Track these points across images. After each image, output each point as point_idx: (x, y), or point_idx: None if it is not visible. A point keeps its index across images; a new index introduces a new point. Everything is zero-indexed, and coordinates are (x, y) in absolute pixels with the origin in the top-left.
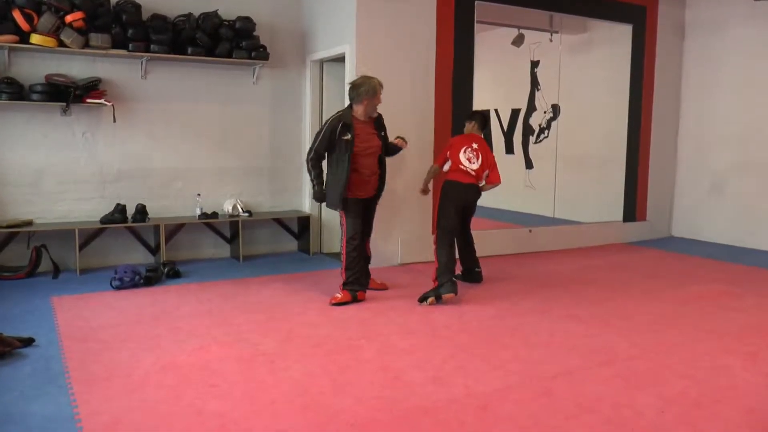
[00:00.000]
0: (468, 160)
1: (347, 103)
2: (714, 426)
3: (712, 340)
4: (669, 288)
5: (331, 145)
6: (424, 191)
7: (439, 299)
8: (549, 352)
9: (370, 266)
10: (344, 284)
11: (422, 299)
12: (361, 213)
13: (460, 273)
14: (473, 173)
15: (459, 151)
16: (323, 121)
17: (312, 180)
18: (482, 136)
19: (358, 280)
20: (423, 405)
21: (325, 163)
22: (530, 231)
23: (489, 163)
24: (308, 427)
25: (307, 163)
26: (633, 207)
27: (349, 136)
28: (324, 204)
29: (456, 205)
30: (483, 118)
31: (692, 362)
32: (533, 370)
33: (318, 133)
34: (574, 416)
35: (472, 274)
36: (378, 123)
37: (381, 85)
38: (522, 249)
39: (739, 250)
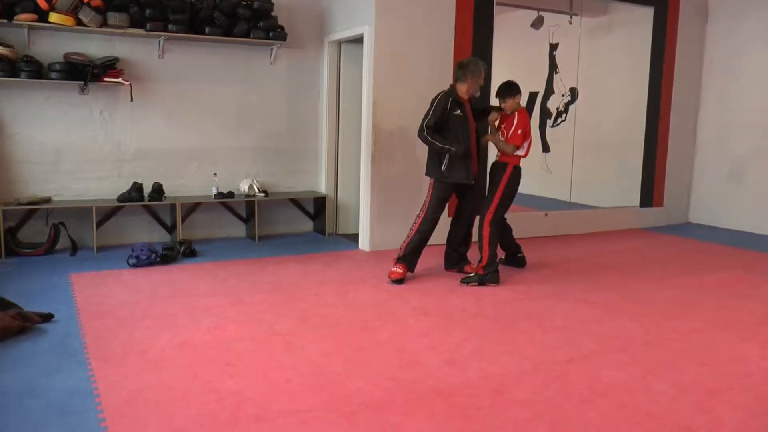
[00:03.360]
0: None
1: (365, 84)
2: (729, 413)
3: (729, 328)
4: (685, 274)
5: (442, 120)
6: (485, 141)
7: (481, 285)
8: (564, 336)
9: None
10: (400, 258)
11: (466, 281)
12: (449, 197)
13: (504, 258)
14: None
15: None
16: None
17: (441, 147)
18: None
19: (414, 259)
20: (438, 387)
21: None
22: (546, 215)
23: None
24: (323, 407)
25: (425, 139)
26: (650, 192)
27: (459, 111)
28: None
29: (515, 193)
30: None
31: (708, 349)
32: (548, 354)
33: (428, 111)
34: (589, 401)
35: (516, 258)
36: (470, 105)
37: (485, 66)
38: (538, 233)
39: (758, 238)
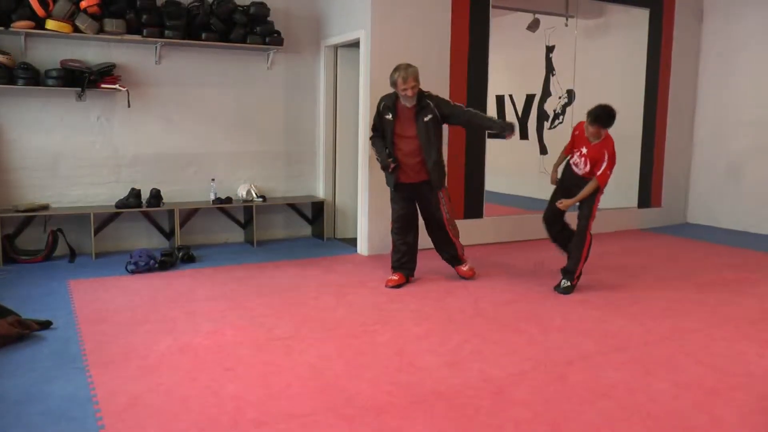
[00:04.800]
0: (575, 165)
1: (361, 89)
2: (729, 412)
3: (728, 327)
4: (684, 274)
5: (379, 123)
6: (565, 207)
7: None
8: (564, 337)
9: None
10: (392, 268)
11: (562, 291)
12: (406, 198)
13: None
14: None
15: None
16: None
17: (375, 154)
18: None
19: (404, 265)
20: (438, 389)
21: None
22: None
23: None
24: (323, 411)
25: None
26: (648, 193)
27: (390, 116)
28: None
29: None
30: (597, 115)
31: (707, 349)
32: (548, 355)
33: None
34: (589, 401)
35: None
36: (419, 109)
37: (408, 76)
38: (536, 235)
39: (757, 237)
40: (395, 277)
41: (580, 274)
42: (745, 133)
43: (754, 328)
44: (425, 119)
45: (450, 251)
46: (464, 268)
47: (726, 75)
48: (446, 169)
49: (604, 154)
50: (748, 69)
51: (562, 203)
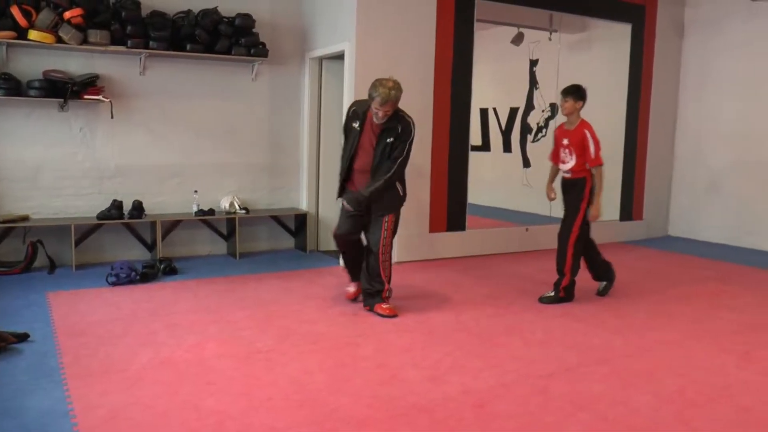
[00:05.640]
0: (562, 162)
1: (346, 101)
2: (709, 424)
3: (708, 339)
4: (665, 287)
5: (346, 129)
6: (594, 217)
7: (556, 303)
8: (545, 350)
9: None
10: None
11: (547, 301)
12: (352, 215)
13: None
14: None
15: (558, 149)
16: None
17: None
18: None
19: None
20: (420, 403)
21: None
22: (527, 230)
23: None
24: (305, 425)
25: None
26: (630, 206)
27: (357, 125)
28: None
29: None
30: (566, 89)
31: (687, 361)
32: (530, 368)
33: None
34: (571, 414)
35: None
36: (386, 128)
37: (386, 101)
38: (519, 248)
39: (736, 250)
40: (351, 289)
41: (568, 285)
42: (724, 147)
43: (733, 340)
44: (388, 140)
45: (376, 284)
46: (384, 305)
47: (706, 89)
48: (402, 195)
49: (584, 133)
50: (727, 83)
51: (590, 215)
